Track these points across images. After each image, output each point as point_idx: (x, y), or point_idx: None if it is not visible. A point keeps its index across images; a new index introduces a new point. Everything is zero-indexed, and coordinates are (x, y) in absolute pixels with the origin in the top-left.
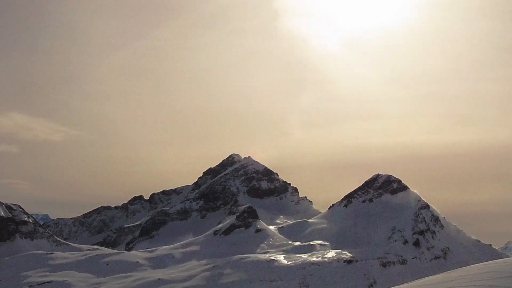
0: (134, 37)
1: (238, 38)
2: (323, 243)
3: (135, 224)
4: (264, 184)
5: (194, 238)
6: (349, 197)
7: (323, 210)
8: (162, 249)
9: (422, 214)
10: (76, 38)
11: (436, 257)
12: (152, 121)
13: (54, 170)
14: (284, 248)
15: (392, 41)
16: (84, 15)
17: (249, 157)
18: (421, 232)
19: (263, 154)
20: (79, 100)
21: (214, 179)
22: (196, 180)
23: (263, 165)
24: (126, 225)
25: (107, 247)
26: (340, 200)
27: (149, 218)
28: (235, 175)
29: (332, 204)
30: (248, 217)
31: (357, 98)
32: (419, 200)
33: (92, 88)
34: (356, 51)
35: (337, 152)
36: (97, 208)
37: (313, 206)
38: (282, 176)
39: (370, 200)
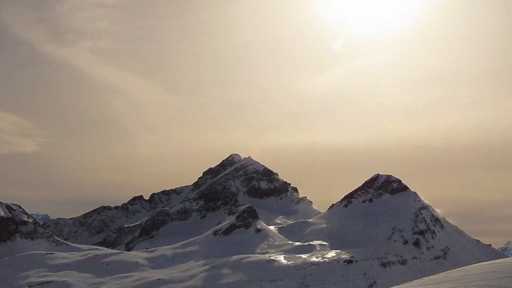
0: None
1: None
2: (323, 243)
3: (135, 224)
4: (264, 184)
5: (194, 238)
6: (349, 197)
7: (323, 210)
8: (162, 249)
9: (422, 214)
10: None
11: (436, 257)
12: (152, 121)
13: (53, 170)
14: (284, 248)
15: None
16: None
17: (249, 157)
18: (421, 232)
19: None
20: (78, 99)
21: (214, 179)
22: (196, 180)
23: (263, 165)
24: (126, 225)
25: (107, 247)
26: (340, 200)
27: (149, 218)
28: (235, 175)
29: (332, 204)
30: (248, 217)
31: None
32: (419, 200)
33: (95, 87)
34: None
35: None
36: (97, 208)
37: (313, 206)
38: (282, 176)
39: (370, 200)
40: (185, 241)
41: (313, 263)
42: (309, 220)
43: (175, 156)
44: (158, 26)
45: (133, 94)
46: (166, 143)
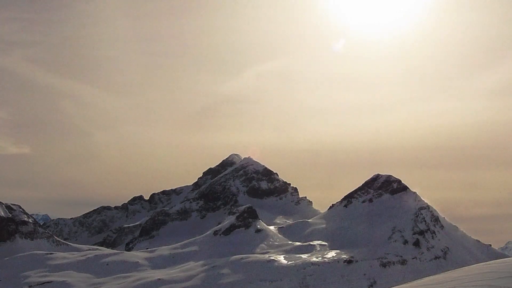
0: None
1: None
2: (323, 243)
3: (135, 224)
4: (264, 184)
5: (194, 238)
6: (349, 197)
7: (323, 210)
8: (162, 249)
9: (422, 214)
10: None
11: (436, 257)
12: (153, 121)
13: (54, 170)
14: (284, 248)
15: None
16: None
17: (249, 157)
18: (421, 232)
19: None
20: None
21: (214, 179)
22: (196, 180)
23: (263, 165)
24: (126, 225)
25: (107, 247)
26: (340, 200)
27: (149, 218)
28: (235, 175)
29: (332, 204)
30: (248, 217)
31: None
32: (419, 200)
33: (93, 88)
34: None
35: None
36: (97, 208)
37: (313, 206)
38: (282, 176)
39: (370, 200)
40: (185, 241)
41: (313, 263)
42: (309, 220)
43: (174, 156)
44: (77, 36)
45: (80, 97)
46: (123, 142)
